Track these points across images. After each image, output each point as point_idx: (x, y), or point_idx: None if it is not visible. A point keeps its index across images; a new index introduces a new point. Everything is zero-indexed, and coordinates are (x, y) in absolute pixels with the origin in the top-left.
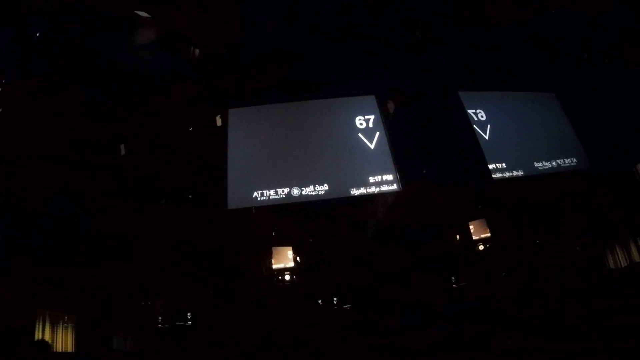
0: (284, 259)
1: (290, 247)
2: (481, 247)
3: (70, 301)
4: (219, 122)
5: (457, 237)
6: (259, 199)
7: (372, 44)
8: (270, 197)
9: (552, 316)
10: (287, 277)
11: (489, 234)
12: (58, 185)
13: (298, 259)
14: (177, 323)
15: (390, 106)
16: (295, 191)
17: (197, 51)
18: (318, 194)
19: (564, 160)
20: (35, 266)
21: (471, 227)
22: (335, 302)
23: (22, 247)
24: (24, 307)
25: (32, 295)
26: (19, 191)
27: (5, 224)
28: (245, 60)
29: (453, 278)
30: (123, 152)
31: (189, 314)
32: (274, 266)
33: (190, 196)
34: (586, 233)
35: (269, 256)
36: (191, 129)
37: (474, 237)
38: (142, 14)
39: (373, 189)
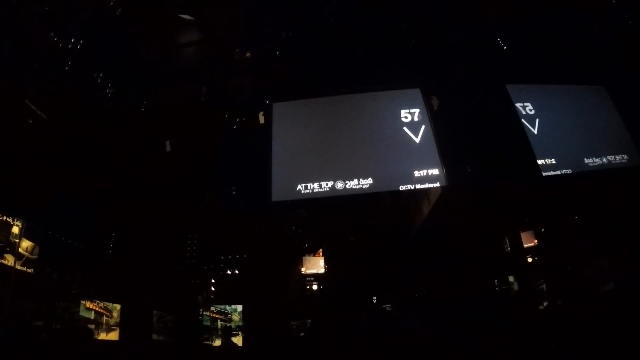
0: (316, 266)
1: (322, 257)
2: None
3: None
4: (261, 119)
5: (507, 242)
6: (302, 192)
7: (417, 36)
8: (314, 190)
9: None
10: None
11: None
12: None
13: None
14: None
15: (435, 102)
16: (339, 184)
17: (239, 51)
18: (362, 187)
19: (614, 157)
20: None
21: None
22: (375, 302)
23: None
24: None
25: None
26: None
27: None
28: (289, 57)
29: (496, 281)
30: (168, 148)
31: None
32: (308, 271)
33: (233, 192)
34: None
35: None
36: (235, 127)
37: (525, 245)
38: (187, 17)
39: (418, 184)
